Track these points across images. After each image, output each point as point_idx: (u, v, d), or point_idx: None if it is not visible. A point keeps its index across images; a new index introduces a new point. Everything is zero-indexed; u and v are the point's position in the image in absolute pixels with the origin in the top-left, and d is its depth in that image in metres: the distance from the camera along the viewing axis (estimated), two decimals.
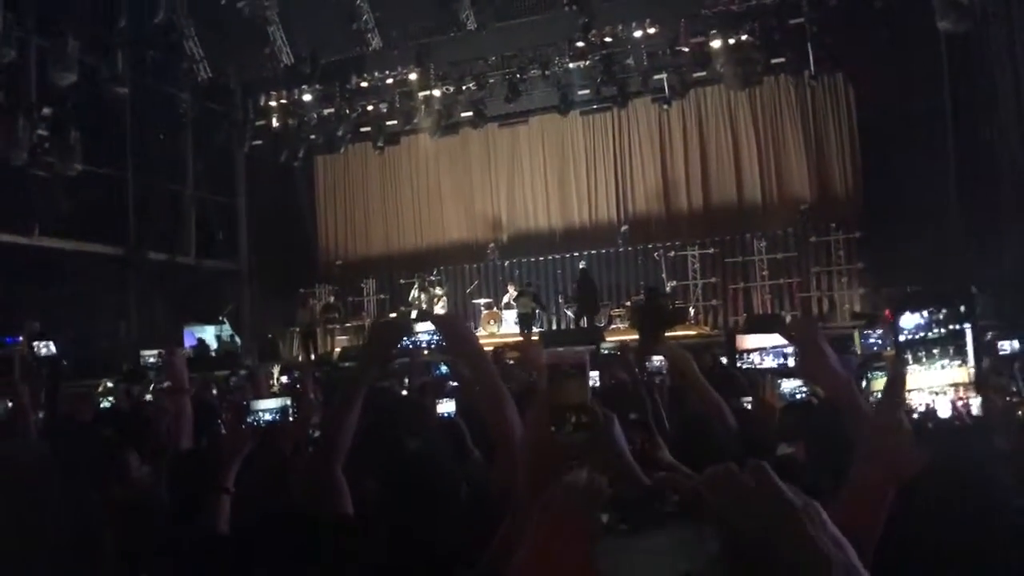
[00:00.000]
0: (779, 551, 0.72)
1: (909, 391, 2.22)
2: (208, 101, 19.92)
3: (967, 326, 2.20)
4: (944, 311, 2.22)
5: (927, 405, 2.26)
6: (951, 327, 2.21)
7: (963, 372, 2.22)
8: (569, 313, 18.13)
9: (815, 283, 17.58)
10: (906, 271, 15.07)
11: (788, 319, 16.51)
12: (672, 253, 18.21)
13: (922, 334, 2.26)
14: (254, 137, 20.38)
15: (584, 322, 16.43)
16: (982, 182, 14.69)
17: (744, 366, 5.22)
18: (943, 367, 2.22)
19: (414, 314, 17.17)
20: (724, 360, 7.00)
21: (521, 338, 15.17)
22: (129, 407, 6.36)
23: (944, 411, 2.25)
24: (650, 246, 18.52)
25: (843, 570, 0.73)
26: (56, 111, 15.61)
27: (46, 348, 12.00)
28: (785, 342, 5.29)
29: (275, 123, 19.89)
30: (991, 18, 14.15)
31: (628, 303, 17.26)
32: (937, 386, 2.24)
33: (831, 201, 17.94)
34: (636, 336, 14.19)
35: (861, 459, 1.52)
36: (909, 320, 2.29)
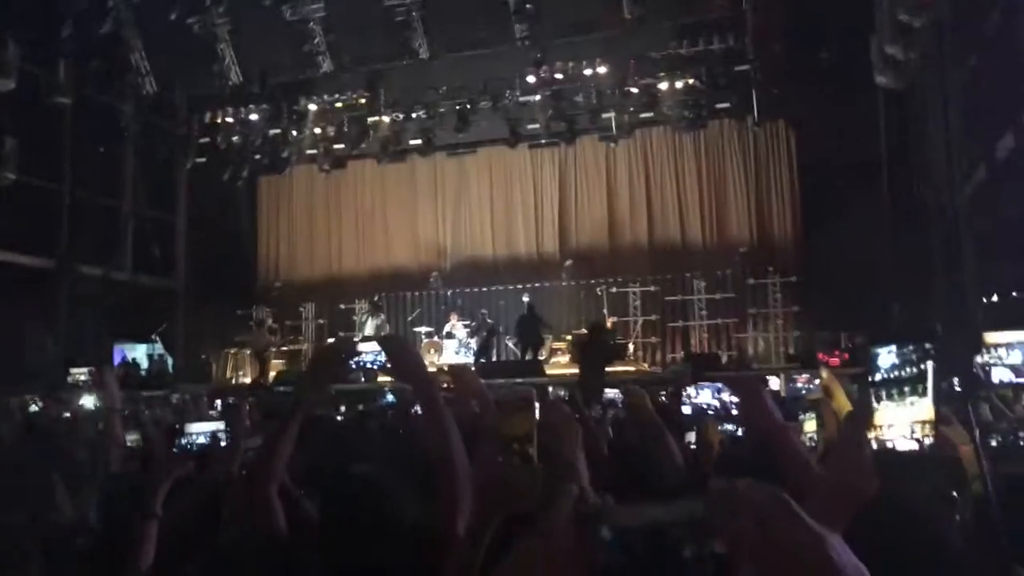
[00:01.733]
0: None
1: (879, 427, 2.30)
2: (152, 115, 19.56)
3: (930, 364, 2.28)
4: (913, 349, 2.31)
5: (889, 440, 2.34)
6: (921, 367, 2.30)
7: (928, 410, 2.30)
8: (511, 345, 18.13)
9: (752, 324, 17.89)
10: (839, 316, 15.46)
11: (724, 359, 16.76)
12: (614, 289, 18.37)
13: (896, 373, 2.34)
14: (198, 154, 20.07)
15: (528, 355, 16.44)
16: (914, 234, 15.17)
17: (685, 404, 5.29)
18: (912, 404, 2.30)
19: (358, 337, 17.01)
20: (664, 398, 7.06)
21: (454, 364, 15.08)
22: (50, 426, 6.13)
23: (903, 446, 2.34)
24: (592, 281, 18.65)
25: None
26: None
27: None
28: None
29: (220, 141, 19.61)
30: (926, 75, 14.69)
31: (569, 337, 17.33)
32: (905, 422, 2.32)
33: (770, 245, 18.33)
34: (576, 370, 14.25)
35: (822, 482, 1.55)
36: (886, 360, 2.37)
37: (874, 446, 2.35)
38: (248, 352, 18.91)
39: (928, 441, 2.34)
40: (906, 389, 2.31)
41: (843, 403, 3.18)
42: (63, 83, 16.48)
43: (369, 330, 17.31)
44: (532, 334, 16.71)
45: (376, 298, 19.26)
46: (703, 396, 4.31)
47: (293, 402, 2.39)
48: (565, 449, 1.73)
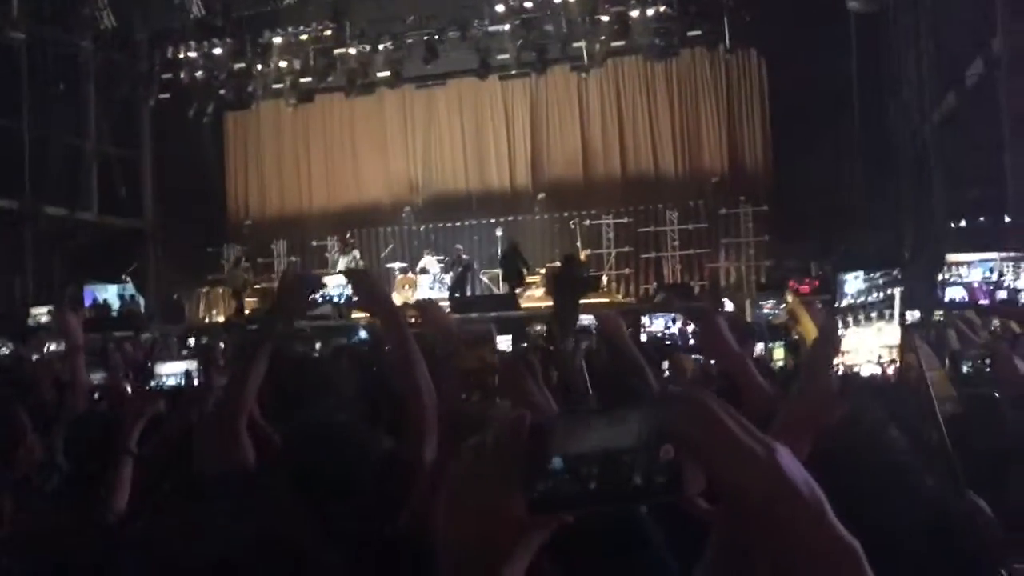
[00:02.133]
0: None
1: (845, 352, 2.34)
2: (112, 51, 19.03)
3: (897, 290, 2.31)
4: (881, 275, 2.33)
5: (855, 365, 2.37)
6: (888, 291, 2.32)
7: (894, 335, 2.32)
8: (485, 280, 18.15)
9: (724, 254, 18.00)
10: (810, 245, 15.60)
11: (696, 289, 16.91)
12: (587, 222, 18.35)
13: (862, 298, 2.37)
14: (161, 90, 19.61)
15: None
16: (885, 159, 15.25)
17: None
18: (879, 330, 2.33)
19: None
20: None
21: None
22: (17, 368, 6.09)
23: (868, 371, 2.36)
24: (566, 214, 18.62)
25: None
26: None
27: None
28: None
29: (183, 77, 19.16)
30: (897, 1, 14.61)
31: (543, 270, 17.35)
32: (872, 348, 2.35)
33: (741, 174, 18.35)
34: (550, 303, 14.32)
35: (786, 406, 1.57)
36: (852, 285, 2.39)
37: (840, 371, 2.38)
38: (221, 291, 18.82)
39: (893, 367, 2.37)
40: (873, 315, 2.33)
41: (809, 328, 3.20)
42: (16, 17, 15.96)
43: (342, 267, 17.22)
44: (514, 271, 16.65)
45: (348, 235, 19.13)
46: (656, 325, 4.35)
47: (260, 335, 2.39)
48: (520, 386, 1.75)
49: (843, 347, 2.41)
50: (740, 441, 0.73)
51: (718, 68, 18.47)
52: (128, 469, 2.60)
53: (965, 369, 3.94)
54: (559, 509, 0.76)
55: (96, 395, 4.01)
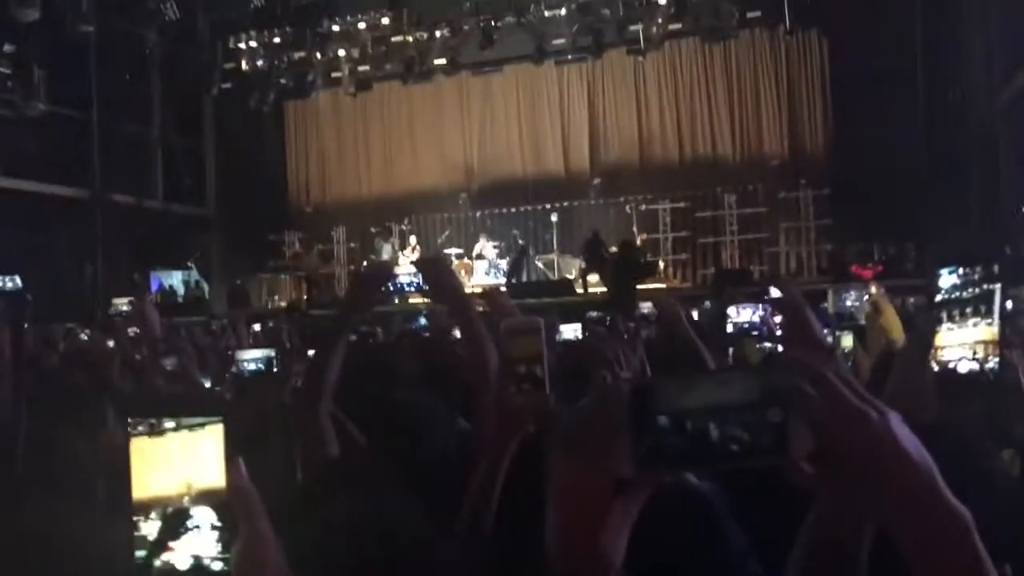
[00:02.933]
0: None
1: (940, 348, 2.28)
2: (176, 42, 19.45)
3: (997, 286, 2.24)
4: (978, 270, 2.27)
5: (951, 362, 2.31)
6: (985, 287, 2.26)
7: (990, 331, 2.26)
8: (541, 265, 18.16)
9: (784, 239, 17.73)
10: (872, 227, 15.31)
11: (756, 274, 16.70)
12: (644, 206, 18.23)
13: (957, 294, 2.31)
14: (223, 80, 19.98)
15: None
16: (950, 141, 14.87)
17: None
18: (974, 325, 2.27)
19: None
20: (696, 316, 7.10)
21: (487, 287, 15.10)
22: (97, 355, 6.29)
23: (964, 368, 2.30)
24: (622, 199, 18.53)
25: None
26: (18, 49, 15.20)
27: (11, 282, 11.59)
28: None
29: (244, 66, 19.48)
30: None
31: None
32: (966, 344, 2.29)
33: (802, 157, 18.04)
34: (606, 289, 14.31)
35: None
36: (947, 280, 2.34)
37: (936, 368, 2.32)
38: (283, 277, 19.18)
39: (991, 364, 2.30)
40: (968, 310, 2.28)
41: (893, 321, 3.14)
42: (86, 11, 16.38)
43: (386, 255, 17.42)
44: (597, 260, 16.13)
45: (406, 222, 19.34)
46: (744, 315, 4.29)
47: (337, 324, 2.44)
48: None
49: (938, 342, 2.35)
50: (855, 405, 0.75)
51: (778, 49, 18.16)
52: None
53: None
54: (665, 467, 0.77)
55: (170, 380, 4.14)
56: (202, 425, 1.02)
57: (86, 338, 7.91)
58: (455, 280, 2.39)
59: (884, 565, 0.89)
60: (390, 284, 2.78)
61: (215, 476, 1.00)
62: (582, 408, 0.82)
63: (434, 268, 2.40)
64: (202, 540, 1.01)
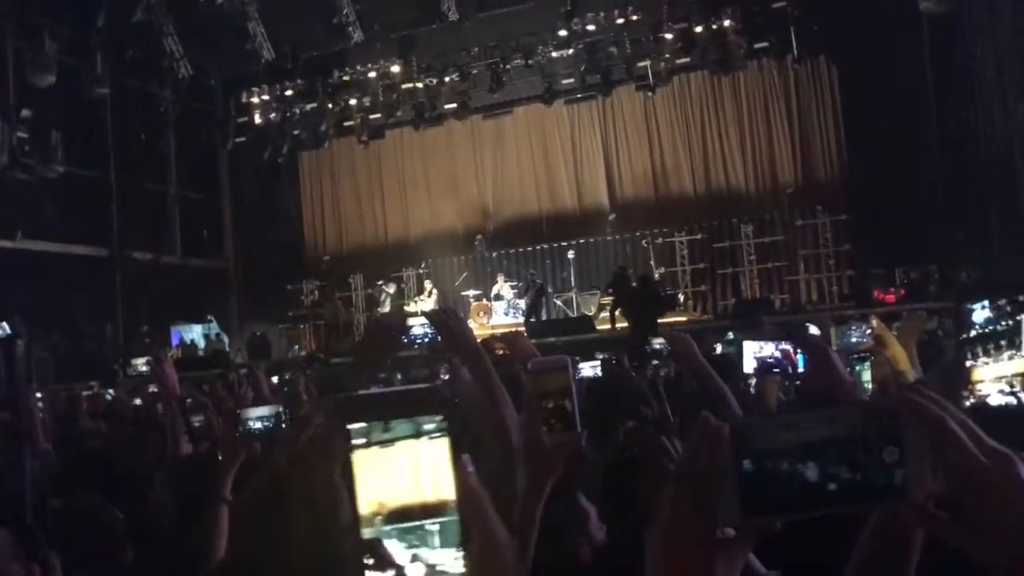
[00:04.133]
0: None
1: (975, 383, 2.22)
2: (189, 99, 19.75)
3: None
4: (1008, 302, 2.22)
5: (984, 395, 2.25)
6: (1016, 318, 2.20)
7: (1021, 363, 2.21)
8: (559, 304, 18.10)
9: (803, 266, 17.60)
10: (893, 251, 15.16)
11: (777, 303, 16.56)
12: (660, 240, 18.19)
13: (991, 328, 2.25)
14: (237, 134, 20.25)
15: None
16: (964, 162, 14.77)
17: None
18: (1009, 358, 2.21)
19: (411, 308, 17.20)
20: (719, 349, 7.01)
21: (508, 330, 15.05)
22: (124, 414, 6.29)
23: (998, 401, 2.24)
24: (638, 233, 18.50)
25: None
26: (36, 113, 15.46)
27: (1, 330, 11.39)
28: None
29: (258, 119, 19.74)
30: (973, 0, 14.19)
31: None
32: (1003, 377, 2.23)
33: (817, 184, 17.96)
34: (626, 324, 14.20)
35: None
36: (980, 315, 2.29)
37: (969, 403, 2.26)
38: (302, 326, 19.24)
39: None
40: (1002, 343, 2.22)
41: (898, 352, 3.07)
42: (101, 74, 16.68)
43: (387, 307, 17.52)
44: (624, 294, 15.85)
45: (423, 266, 19.47)
46: (767, 350, 4.21)
47: (351, 378, 2.40)
48: None
49: (973, 378, 2.29)
50: (991, 447, 0.70)
51: (787, 78, 18.18)
52: (224, 516, 2.63)
53: None
54: (775, 513, 0.72)
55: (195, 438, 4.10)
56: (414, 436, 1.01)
57: (109, 398, 7.91)
58: (467, 329, 2.35)
59: None
60: (403, 337, 2.75)
61: (437, 486, 0.99)
62: (688, 452, 0.76)
63: (446, 320, 2.36)
64: (433, 550, 1.00)
